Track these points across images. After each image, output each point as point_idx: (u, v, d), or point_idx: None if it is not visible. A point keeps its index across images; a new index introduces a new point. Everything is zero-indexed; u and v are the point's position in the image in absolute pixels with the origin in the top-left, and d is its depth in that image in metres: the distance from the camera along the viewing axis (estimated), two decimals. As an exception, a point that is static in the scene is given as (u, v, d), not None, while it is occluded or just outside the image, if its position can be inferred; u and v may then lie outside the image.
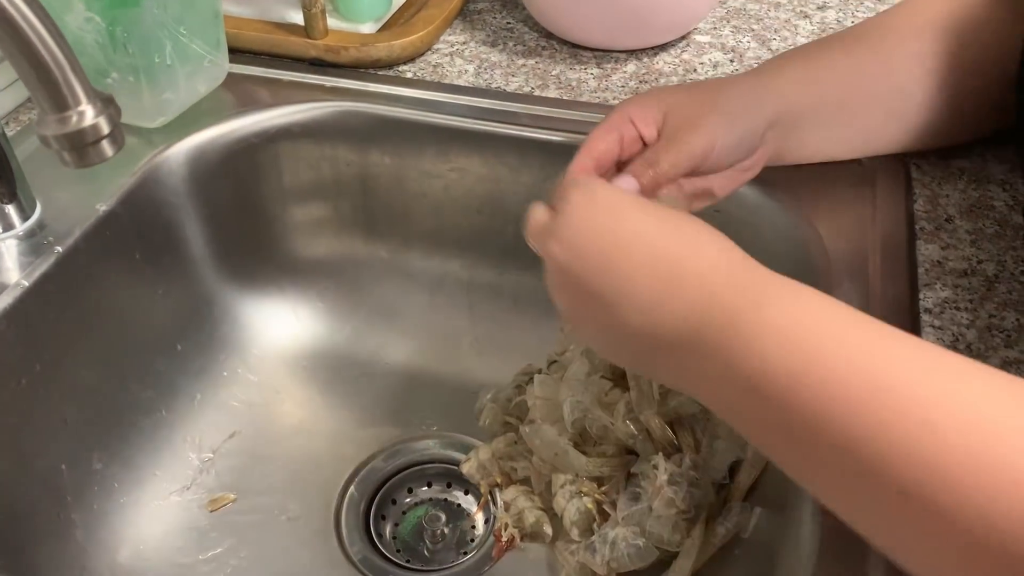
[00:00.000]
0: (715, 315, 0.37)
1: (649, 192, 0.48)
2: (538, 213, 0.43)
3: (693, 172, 0.50)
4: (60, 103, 0.41)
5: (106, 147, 0.43)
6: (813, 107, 0.55)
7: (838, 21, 0.78)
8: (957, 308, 0.50)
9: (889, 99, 0.56)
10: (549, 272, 0.42)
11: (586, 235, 0.40)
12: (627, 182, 0.47)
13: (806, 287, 0.38)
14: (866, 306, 0.51)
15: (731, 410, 0.39)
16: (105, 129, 0.42)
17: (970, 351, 0.47)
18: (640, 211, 0.41)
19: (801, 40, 0.76)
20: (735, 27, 0.78)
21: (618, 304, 0.39)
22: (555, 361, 0.63)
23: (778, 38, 0.76)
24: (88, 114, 0.42)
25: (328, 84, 0.70)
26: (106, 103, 0.43)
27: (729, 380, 0.37)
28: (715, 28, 0.78)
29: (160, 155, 0.64)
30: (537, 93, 0.70)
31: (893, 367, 0.33)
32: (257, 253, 0.72)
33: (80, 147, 0.42)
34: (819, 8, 0.81)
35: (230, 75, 0.70)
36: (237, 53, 0.72)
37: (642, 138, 0.50)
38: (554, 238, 0.41)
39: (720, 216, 0.51)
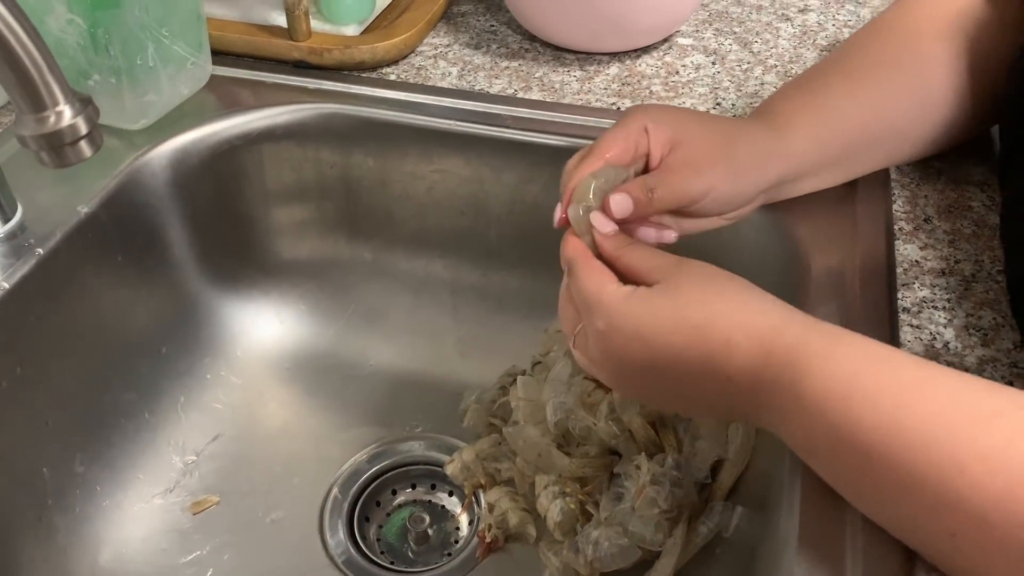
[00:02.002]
0: (761, 412, 0.41)
1: (637, 217, 0.47)
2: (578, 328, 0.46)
3: (676, 211, 0.49)
4: (38, 103, 0.41)
5: (84, 147, 0.43)
6: (818, 162, 0.55)
7: (819, 24, 0.79)
8: (935, 308, 0.51)
9: (887, 138, 0.57)
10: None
11: (622, 358, 0.43)
12: (623, 200, 0.46)
13: (832, 337, 0.40)
14: (845, 306, 0.51)
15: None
16: (83, 129, 0.42)
17: (948, 350, 0.48)
18: (660, 320, 0.42)
19: (783, 43, 0.76)
20: (717, 30, 0.79)
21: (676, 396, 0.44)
22: (539, 362, 0.63)
23: (760, 41, 0.77)
24: (66, 114, 0.42)
25: (311, 86, 0.70)
26: (84, 103, 0.43)
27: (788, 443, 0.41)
28: (697, 31, 0.78)
29: (142, 157, 0.64)
30: (520, 95, 0.70)
31: (926, 424, 0.35)
32: (240, 255, 0.72)
33: (58, 147, 0.42)
34: (800, 11, 0.81)
35: (213, 77, 0.70)
36: (220, 55, 0.72)
37: (648, 154, 0.49)
38: (596, 362, 0.45)
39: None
